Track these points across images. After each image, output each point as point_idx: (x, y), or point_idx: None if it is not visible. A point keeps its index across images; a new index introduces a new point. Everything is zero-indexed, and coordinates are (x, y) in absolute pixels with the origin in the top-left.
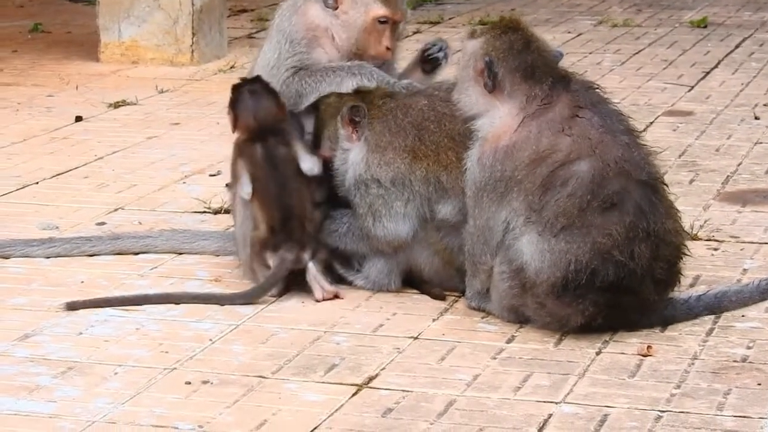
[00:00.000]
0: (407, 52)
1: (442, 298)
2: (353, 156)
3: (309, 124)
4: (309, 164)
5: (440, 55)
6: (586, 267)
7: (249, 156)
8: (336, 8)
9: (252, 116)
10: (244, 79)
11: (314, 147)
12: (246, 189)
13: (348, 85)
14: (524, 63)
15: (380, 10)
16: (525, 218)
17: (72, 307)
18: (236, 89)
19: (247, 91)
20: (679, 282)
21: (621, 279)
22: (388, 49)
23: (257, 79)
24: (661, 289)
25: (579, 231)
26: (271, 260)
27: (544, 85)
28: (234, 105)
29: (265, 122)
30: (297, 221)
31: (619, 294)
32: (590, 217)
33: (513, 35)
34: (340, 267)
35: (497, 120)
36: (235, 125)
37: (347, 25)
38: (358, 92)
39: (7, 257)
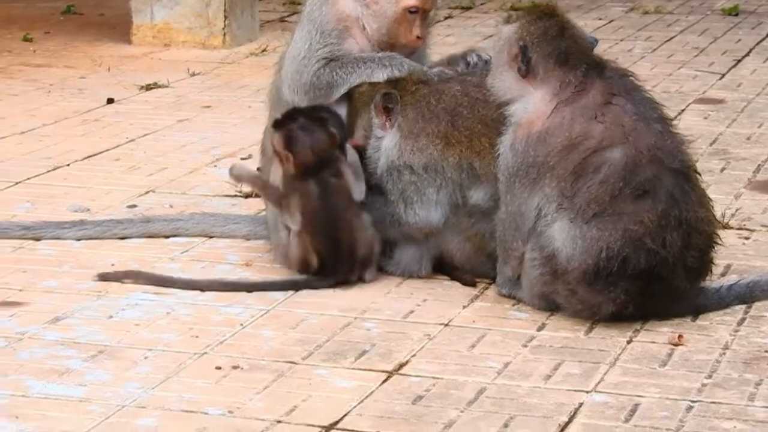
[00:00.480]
0: (438, 37)
1: (473, 285)
2: (386, 143)
3: (342, 113)
4: (360, 192)
5: (481, 64)
6: (617, 254)
7: (302, 191)
8: None
9: (310, 152)
10: (287, 115)
11: (347, 136)
12: (296, 225)
13: (379, 76)
14: (558, 49)
15: (410, 1)
16: (557, 205)
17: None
18: (286, 128)
19: (300, 128)
20: (711, 271)
21: (653, 267)
22: (418, 38)
23: (302, 112)
24: (692, 278)
25: (611, 218)
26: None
27: (578, 71)
28: (290, 145)
29: (321, 155)
30: (347, 251)
31: (651, 282)
32: (622, 204)
33: (548, 21)
34: None
35: (530, 105)
36: (296, 165)
37: (378, 15)
38: (393, 81)
39: (38, 239)
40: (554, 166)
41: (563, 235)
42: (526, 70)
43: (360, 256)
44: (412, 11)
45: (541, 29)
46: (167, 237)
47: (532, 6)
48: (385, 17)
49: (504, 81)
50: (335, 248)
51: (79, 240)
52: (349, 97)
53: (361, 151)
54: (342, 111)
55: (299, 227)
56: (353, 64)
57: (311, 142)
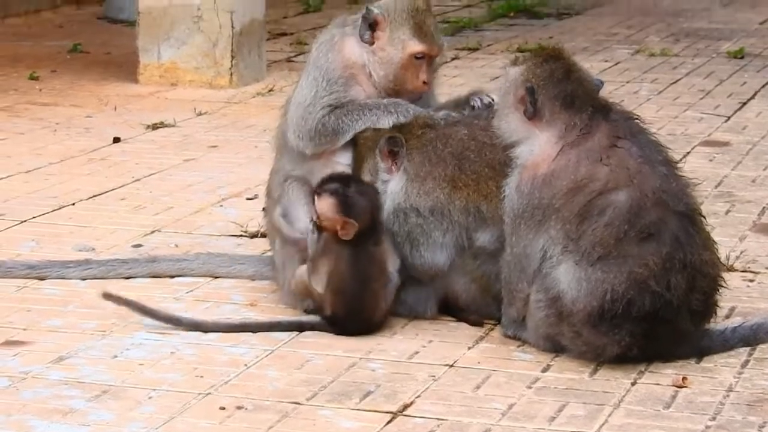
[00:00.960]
0: (445, 78)
1: (480, 325)
2: (392, 186)
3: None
4: (395, 263)
5: (484, 108)
6: (622, 297)
7: (337, 255)
8: (372, 44)
9: (369, 218)
10: (330, 180)
11: None
12: (320, 286)
13: (384, 123)
14: (564, 91)
15: (417, 47)
16: (562, 247)
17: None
18: (340, 193)
19: (357, 193)
20: (716, 313)
21: (657, 309)
22: (425, 83)
23: (342, 177)
24: (697, 320)
25: (616, 261)
26: None
27: (584, 114)
28: (348, 211)
29: (373, 221)
30: (366, 318)
31: (656, 324)
32: (627, 247)
33: (554, 64)
34: None
35: (536, 148)
36: (349, 232)
37: (384, 61)
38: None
39: (43, 278)
40: (559, 208)
41: (568, 277)
42: (533, 113)
43: (376, 321)
44: (418, 57)
45: (548, 72)
46: (172, 277)
47: (539, 48)
48: (392, 63)
49: (510, 123)
50: (354, 314)
51: (84, 279)
52: (354, 142)
53: None
54: (348, 157)
55: (323, 289)
56: (359, 110)
57: (369, 208)
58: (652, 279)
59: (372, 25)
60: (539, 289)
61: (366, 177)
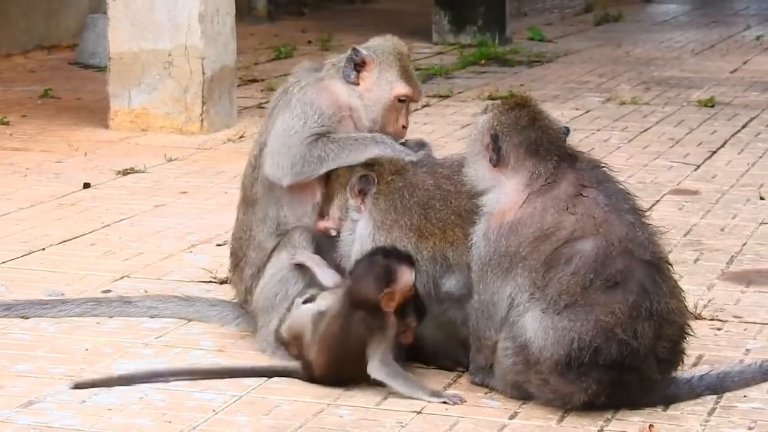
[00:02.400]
0: (416, 125)
1: (450, 369)
2: (360, 229)
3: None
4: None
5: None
6: (589, 345)
7: (347, 316)
8: (357, 84)
9: (412, 289)
10: (375, 253)
11: (320, 217)
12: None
13: (370, 153)
14: (528, 139)
15: (404, 89)
16: (529, 295)
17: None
18: (385, 264)
19: (401, 264)
20: (682, 361)
21: (624, 357)
22: (404, 127)
23: (381, 251)
24: (664, 368)
25: (582, 309)
26: None
27: (549, 162)
28: (393, 282)
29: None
30: (343, 376)
31: (623, 372)
32: (593, 295)
33: (519, 111)
34: None
35: (503, 196)
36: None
37: (370, 102)
38: (369, 165)
39: (24, 318)
40: (526, 256)
41: (535, 325)
42: (497, 160)
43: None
44: (401, 100)
45: (513, 119)
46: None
47: (507, 96)
48: (377, 104)
49: (477, 170)
50: (334, 374)
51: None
52: (326, 178)
53: (333, 234)
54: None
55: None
56: (345, 140)
57: (411, 279)
58: (618, 327)
59: (357, 66)
60: (507, 336)
61: (335, 213)
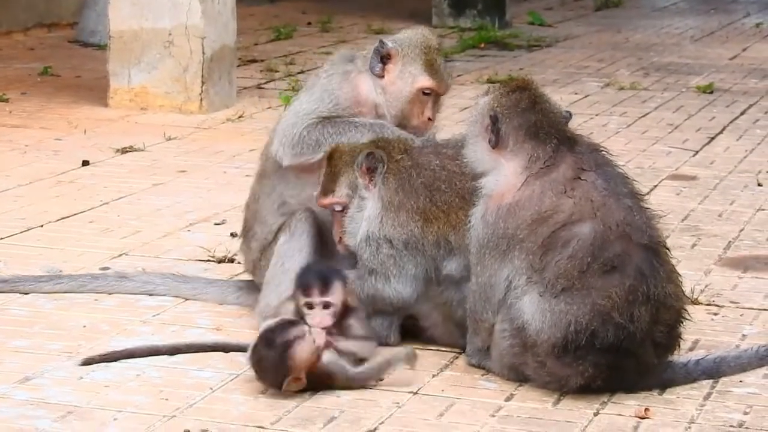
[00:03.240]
0: None
1: None
2: (369, 210)
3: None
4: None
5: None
6: (586, 328)
7: None
8: (382, 77)
9: None
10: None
11: (324, 194)
12: None
13: (365, 140)
14: (528, 122)
15: (427, 82)
16: (527, 278)
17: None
18: (285, 351)
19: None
20: (679, 346)
21: (621, 341)
22: (429, 119)
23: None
24: (660, 353)
25: (579, 292)
26: None
27: (548, 146)
28: None
29: None
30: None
31: (619, 356)
32: (591, 279)
33: (520, 94)
34: None
35: (501, 178)
36: None
37: (393, 95)
38: (377, 141)
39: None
40: (524, 239)
41: (532, 308)
42: (496, 141)
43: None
44: (426, 93)
45: (513, 101)
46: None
47: (508, 79)
48: (400, 97)
49: (477, 152)
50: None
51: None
52: (329, 156)
53: (341, 210)
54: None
55: None
56: (344, 125)
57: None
58: (615, 311)
59: (384, 58)
60: (504, 319)
61: (342, 191)
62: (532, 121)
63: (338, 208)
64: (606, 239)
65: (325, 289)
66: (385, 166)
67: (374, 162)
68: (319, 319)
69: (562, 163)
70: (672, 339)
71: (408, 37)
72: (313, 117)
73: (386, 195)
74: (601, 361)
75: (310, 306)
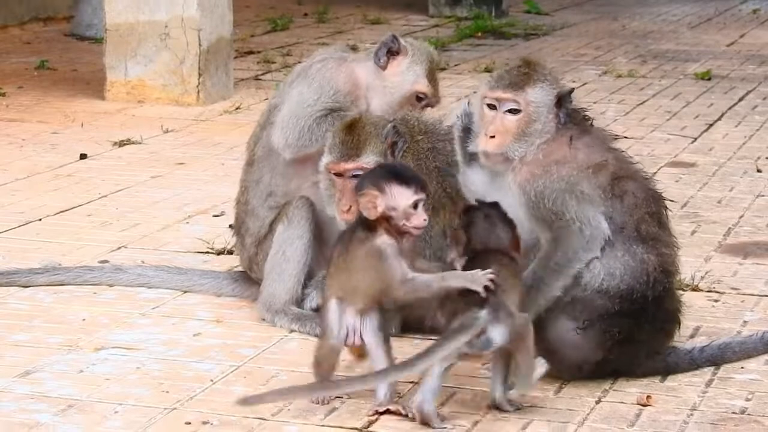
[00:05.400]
0: None
1: None
2: None
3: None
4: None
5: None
6: (657, 279)
7: None
8: (385, 68)
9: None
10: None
11: (345, 159)
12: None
13: None
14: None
15: (424, 87)
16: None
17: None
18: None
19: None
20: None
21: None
22: None
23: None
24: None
25: (654, 243)
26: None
27: (578, 114)
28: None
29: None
30: None
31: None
32: (654, 229)
33: (541, 67)
34: None
35: (542, 144)
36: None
37: (390, 88)
38: (399, 120)
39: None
40: (586, 177)
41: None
42: (567, 117)
43: None
44: (419, 97)
45: (545, 74)
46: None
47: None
48: (396, 92)
49: (537, 131)
50: None
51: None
52: (349, 125)
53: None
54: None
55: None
56: None
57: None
58: (672, 265)
59: (390, 52)
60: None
61: (370, 158)
62: (566, 90)
63: (360, 173)
64: (652, 197)
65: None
66: (406, 143)
67: (398, 137)
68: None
69: (593, 130)
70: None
71: (417, 43)
72: (319, 109)
73: None
74: (628, 326)
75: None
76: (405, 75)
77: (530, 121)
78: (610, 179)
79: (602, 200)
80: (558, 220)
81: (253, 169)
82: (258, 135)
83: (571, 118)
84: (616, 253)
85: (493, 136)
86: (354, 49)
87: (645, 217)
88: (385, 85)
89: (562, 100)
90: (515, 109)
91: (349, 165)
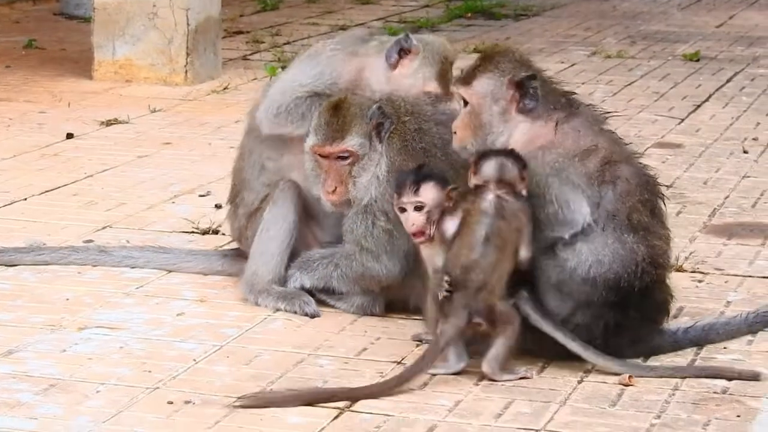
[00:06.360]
0: None
1: None
2: (379, 168)
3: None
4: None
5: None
6: (645, 268)
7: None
8: (395, 68)
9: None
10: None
11: (330, 142)
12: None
13: None
14: (541, 78)
15: (434, 88)
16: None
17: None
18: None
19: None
20: (669, 313)
21: (649, 285)
22: None
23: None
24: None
25: (645, 231)
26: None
27: (562, 97)
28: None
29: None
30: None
31: (631, 309)
32: (645, 218)
33: (512, 55)
34: (322, 292)
35: (527, 130)
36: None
37: (399, 89)
38: (386, 99)
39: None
40: (572, 163)
41: (596, 243)
42: (536, 101)
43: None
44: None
45: (516, 62)
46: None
47: (488, 48)
48: (405, 93)
49: (492, 117)
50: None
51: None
52: (334, 106)
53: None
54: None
55: None
56: None
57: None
58: (663, 255)
59: (402, 52)
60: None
61: (355, 140)
62: (536, 76)
63: (345, 155)
64: (647, 183)
65: (416, 189)
66: (393, 125)
67: (383, 118)
68: (412, 220)
69: (582, 113)
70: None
71: (431, 40)
72: (306, 90)
73: (392, 155)
74: (614, 314)
75: (402, 209)
76: (414, 76)
77: (476, 114)
78: (600, 164)
79: (591, 187)
80: (538, 200)
81: (249, 138)
82: (257, 104)
83: (549, 102)
84: (606, 240)
85: (455, 132)
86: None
87: (637, 205)
88: (393, 86)
89: (521, 85)
90: (466, 103)
91: (334, 148)
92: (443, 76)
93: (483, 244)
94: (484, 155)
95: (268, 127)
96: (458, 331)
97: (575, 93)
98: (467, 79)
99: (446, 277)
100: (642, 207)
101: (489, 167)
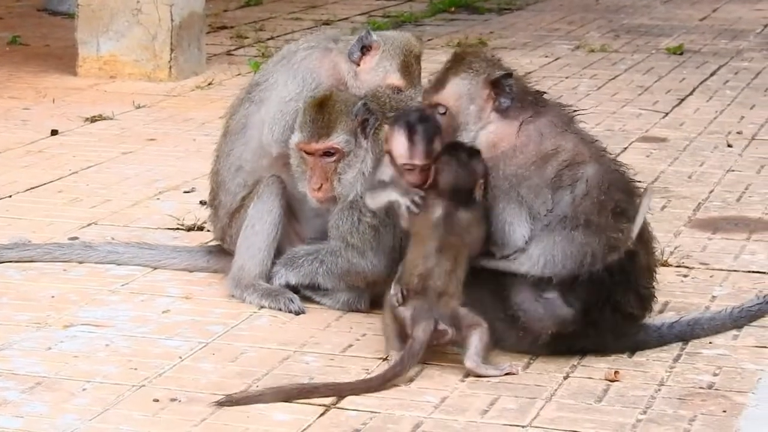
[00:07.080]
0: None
1: None
2: (365, 164)
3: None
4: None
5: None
6: (600, 261)
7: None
8: (359, 65)
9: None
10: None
11: (316, 138)
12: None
13: None
14: (510, 75)
15: (397, 80)
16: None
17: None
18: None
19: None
20: (652, 307)
21: (616, 282)
22: None
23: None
24: (644, 306)
25: (597, 228)
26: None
27: (529, 96)
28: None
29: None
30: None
31: (604, 303)
32: (605, 217)
33: (482, 54)
34: (307, 289)
35: (494, 130)
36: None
37: (363, 84)
38: (371, 96)
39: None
40: (528, 176)
41: (543, 244)
42: (512, 100)
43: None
44: (397, 89)
45: (487, 62)
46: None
47: (461, 49)
48: (368, 88)
49: (469, 115)
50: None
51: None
52: (319, 102)
53: (333, 156)
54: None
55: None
56: None
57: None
58: (624, 246)
59: (364, 48)
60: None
61: (341, 137)
62: (512, 75)
63: (331, 152)
64: (611, 182)
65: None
66: (378, 121)
67: (369, 115)
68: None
69: (548, 112)
70: (651, 296)
71: (394, 36)
72: (297, 102)
73: (376, 150)
74: (586, 306)
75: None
76: (375, 71)
77: (454, 117)
78: (559, 169)
79: (543, 196)
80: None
81: (226, 141)
82: (235, 108)
83: (518, 100)
84: (555, 238)
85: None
86: (335, 41)
87: (594, 207)
88: (357, 81)
89: (497, 84)
90: (444, 110)
91: (319, 145)
92: (406, 68)
93: (436, 255)
94: (448, 156)
95: (279, 148)
96: (429, 333)
97: (545, 92)
98: (439, 84)
99: (401, 287)
100: (600, 207)
101: (447, 174)
